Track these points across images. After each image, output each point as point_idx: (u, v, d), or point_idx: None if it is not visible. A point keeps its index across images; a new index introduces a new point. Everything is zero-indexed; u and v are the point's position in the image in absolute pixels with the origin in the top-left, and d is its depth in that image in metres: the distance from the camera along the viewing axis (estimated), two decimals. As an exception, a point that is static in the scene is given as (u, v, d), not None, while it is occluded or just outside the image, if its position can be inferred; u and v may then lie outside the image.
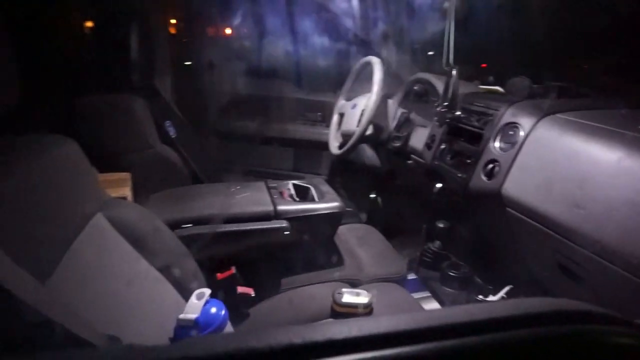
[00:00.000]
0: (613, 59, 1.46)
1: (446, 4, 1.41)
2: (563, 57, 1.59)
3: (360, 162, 2.39)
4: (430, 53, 2.31)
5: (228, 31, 2.77)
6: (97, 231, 0.94)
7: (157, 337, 0.93)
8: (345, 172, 2.50)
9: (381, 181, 2.26)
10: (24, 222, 0.73)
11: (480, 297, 1.59)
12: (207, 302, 0.97)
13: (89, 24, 1.86)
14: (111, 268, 0.93)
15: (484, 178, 1.42)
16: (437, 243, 1.84)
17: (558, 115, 1.29)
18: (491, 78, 1.68)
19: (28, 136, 0.92)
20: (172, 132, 1.91)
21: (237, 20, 2.62)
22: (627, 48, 1.41)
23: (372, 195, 2.34)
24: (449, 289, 1.72)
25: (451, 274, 1.74)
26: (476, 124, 1.52)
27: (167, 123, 1.87)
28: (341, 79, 2.56)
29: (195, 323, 0.91)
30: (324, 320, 1.20)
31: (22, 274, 0.58)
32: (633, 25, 1.36)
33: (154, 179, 1.68)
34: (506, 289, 1.55)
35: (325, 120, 2.60)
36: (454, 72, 1.47)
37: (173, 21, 2.44)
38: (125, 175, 1.50)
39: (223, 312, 0.97)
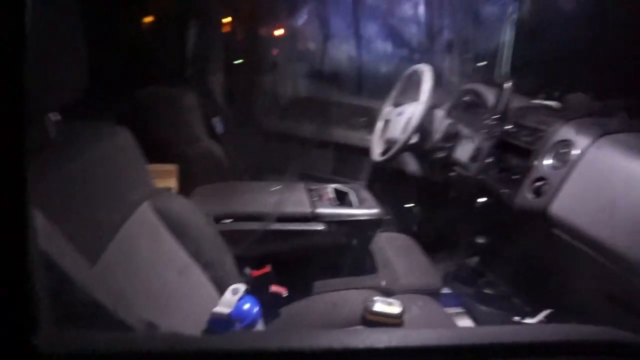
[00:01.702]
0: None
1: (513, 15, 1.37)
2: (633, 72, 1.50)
3: (400, 171, 2.36)
4: (481, 64, 2.25)
5: (279, 32, 2.81)
6: (143, 219, 0.98)
7: (191, 327, 0.95)
8: (384, 179, 2.47)
9: (421, 191, 2.22)
10: (78, 205, 0.77)
11: (517, 318, 1.53)
12: (241, 297, 0.98)
13: (149, 19, 1.95)
14: (153, 256, 0.97)
15: (530, 196, 1.37)
16: (475, 259, 1.79)
17: (618, 135, 1.23)
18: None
19: (87, 123, 0.97)
20: (219, 128, 1.96)
21: (290, 22, 2.65)
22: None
23: (409, 205, 2.30)
24: (484, 307, 1.67)
25: (487, 291, 1.69)
26: (526, 139, 1.47)
27: (216, 119, 1.93)
28: (387, 84, 2.55)
29: (228, 317, 0.93)
30: (355, 327, 1.19)
31: (75, 255, 0.61)
32: None
33: (199, 172, 1.73)
34: (545, 312, 1.49)
35: (369, 126, 2.58)
36: (507, 85, 1.43)
37: (227, 20, 2.50)
38: (172, 167, 1.56)
39: (256, 309, 0.98)
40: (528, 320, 1.50)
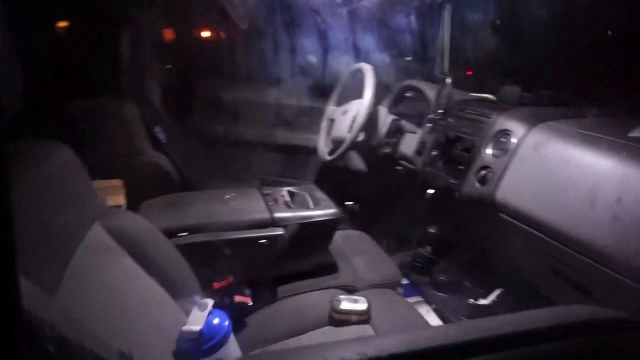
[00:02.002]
0: (603, 69, 1.51)
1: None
2: (552, 66, 1.63)
3: (347, 168, 2.40)
4: (407, 59, 2.34)
5: (206, 34, 2.74)
6: (97, 242, 0.92)
7: (160, 349, 0.90)
8: (332, 178, 2.50)
9: (370, 187, 2.27)
10: (25, 234, 0.70)
11: (472, 301, 1.61)
12: (210, 313, 0.95)
13: (79, 28, 1.82)
14: (112, 280, 0.91)
15: (476, 184, 1.44)
16: (428, 248, 1.86)
17: (550, 122, 1.33)
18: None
19: (23, 142, 0.89)
20: (162, 138, 1.87)
21: (227, 25, 2.59)
22: (617, 59, 1.47)
23: (360, 202, 2.34)
24: (440, 294, 1.74)
25: (442, 278, 1.76)
26: (468, 131, 1.55)
27: (157, 128, 1.84)
28: (327, 85, 2.57)
29: (199, 334, 0.89)
30: (324, 328, 1.19)
31: (35, 290, 0.56)
32: (622, 38, 1.42)
33: (145, 186, 1.64)
34: (497, 292, 1.58)
35: (313, 126, 2.59)
36: (448, 81, 1.49)
37: (160, 26, 2.40)
38: (117, 183, 1.46)
39: (227, 323, 0.95)
40: (482, 302, 1.59)
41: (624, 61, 1.44)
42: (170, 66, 2.50)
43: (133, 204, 1.43)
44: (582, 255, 1.10)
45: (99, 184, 1.36)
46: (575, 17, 1.54)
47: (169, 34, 2.43)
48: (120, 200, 1.38)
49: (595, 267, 1.06)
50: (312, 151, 2.56)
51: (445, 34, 1.46)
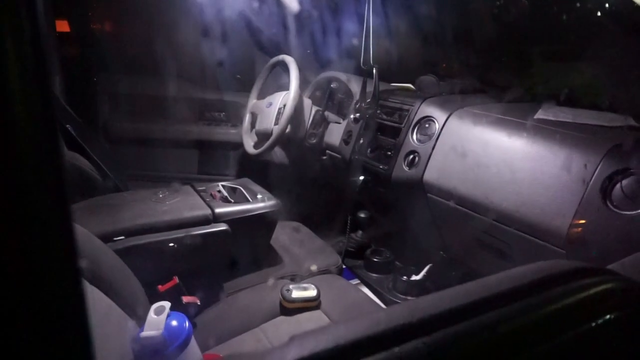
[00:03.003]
0: (506, 60, 1.70)
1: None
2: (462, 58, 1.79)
3: (269, 161, 2.39)
4: (308, 51, 2.39)
5: (111, 26, 2.54)
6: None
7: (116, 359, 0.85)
8: (254, 172, 2.47)
9: (298, 178, 2.29)
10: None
11: (405, 277, 1.72)
12: (167, 315, 0.91)
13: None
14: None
15: (405, 168, 1.54)
16: (359, 232, 1.94)
17: (467, 108, 1.46)
18: None
19: None
20: (76, 136, 1.69)
21: (128, 16, 2.42)
22: (516, 52, 1.66)
23: (290, 192, 2.35)
24: (374, 274, 1.83)
25: (374, 260, 1.85)
26: (393, 119, 1.64)
27: (69, 127, 1.67)
28: (245, 77, 2.53)
29: (161, 339, 0.85)
30: (277, 318, 1.20)
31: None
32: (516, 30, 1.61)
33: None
34: (427, 267, 1.70)
35: (230, 120, 2.54)
36: (375, 71, 1.56)
37: (60, 19, 2.17)
38: (34, 188, 1.31)
39: (186, 323, 0.92)
40: (414, 278, 1.70)
41: (522, 54, 1.64)
42: (72, 60, 2.27)
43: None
44: (504, 224, 1.24)
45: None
46: (482, 16, 1.71)
47: (68, 26, 2.21)
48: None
49: (517, 234, 1.20)
50: (231, 146, 2.52)
51: (369, 26, 1.52)
